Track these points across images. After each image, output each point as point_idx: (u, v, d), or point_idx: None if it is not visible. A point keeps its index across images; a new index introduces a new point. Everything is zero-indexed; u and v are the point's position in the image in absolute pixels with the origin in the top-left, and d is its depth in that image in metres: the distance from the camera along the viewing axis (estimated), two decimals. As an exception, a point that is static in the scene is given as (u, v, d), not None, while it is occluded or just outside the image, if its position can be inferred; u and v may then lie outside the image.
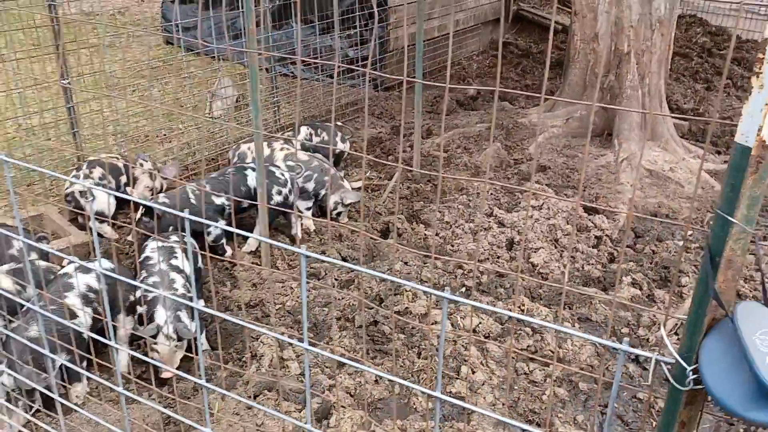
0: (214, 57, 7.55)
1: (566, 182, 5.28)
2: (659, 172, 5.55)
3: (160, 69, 7.13)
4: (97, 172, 4.22)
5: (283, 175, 4.42)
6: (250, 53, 3.73)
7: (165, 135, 5.76)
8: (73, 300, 3.04)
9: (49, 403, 2.89)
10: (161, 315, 3.14)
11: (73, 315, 2.98)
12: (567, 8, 9.89)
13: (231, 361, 3.42)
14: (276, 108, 6.24)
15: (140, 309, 3.26)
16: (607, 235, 4.57)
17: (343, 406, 3.08)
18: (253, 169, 4.32)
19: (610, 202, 4.96)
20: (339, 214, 4.80)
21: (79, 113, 4.57)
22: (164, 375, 3.20)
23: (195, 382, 3.24)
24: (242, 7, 4.52)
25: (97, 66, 5.28)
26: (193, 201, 4.09)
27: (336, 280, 4.08)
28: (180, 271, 3.43)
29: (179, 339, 3.13)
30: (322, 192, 4.79)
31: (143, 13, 8.96)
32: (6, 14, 4.16)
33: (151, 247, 3.51)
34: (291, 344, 3.47)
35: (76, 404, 2.95)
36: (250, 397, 3.09)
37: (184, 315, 3.18)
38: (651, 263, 4.30)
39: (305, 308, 1.52)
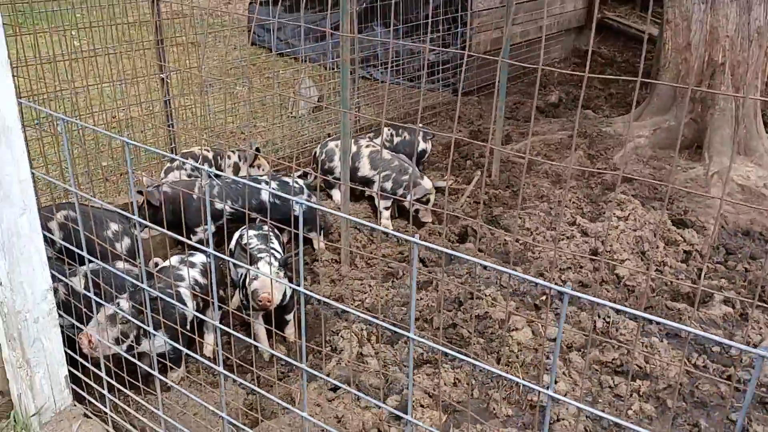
0: (296, 58, 7.72)
1: (653, 194, 5.11)
2: (752, 188, 5.30)
3: (246, 69, 7.33)
4: (190, 163, 4.38)
5: (297, 183, 4.36)
6: (342, 53, 3.78)
7: (250, 132, 5.91)
8: (184, 290, 3.17)
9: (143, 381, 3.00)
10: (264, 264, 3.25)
11: (183, 304, 3.10)
12: (654, 18, 9.60)
13: (311, 353, 3.46)
14: (357, 109, 6.31)
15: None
16: (696, 250, 4.39)
17: (421, 406, 3.07)
18: (267, 183, 4.22)
19: (699, 217, 4.77)
20: (416, 211, 4.78)
21: (173, 107, 4.75)
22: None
23: (292, 365, 3.31)
24: (329, 9, 4.60)
25: (185, 63, 5.47)
26: (194, 198, 3.99)
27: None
28: (276, 251, 3.53)
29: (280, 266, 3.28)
30: (400, 191, 4.79)
31: (231, 15, 9.24)
32: (101, 10, 4.36)
33: (249, 235, 3.61)
34: (370, 340, 3.48)
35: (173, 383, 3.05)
36: (330, 389, 3.12)
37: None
38: (744, 281, 4.10)
39: (414, 296, 1.52)
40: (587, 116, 6.70)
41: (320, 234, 4.43)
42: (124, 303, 2.81)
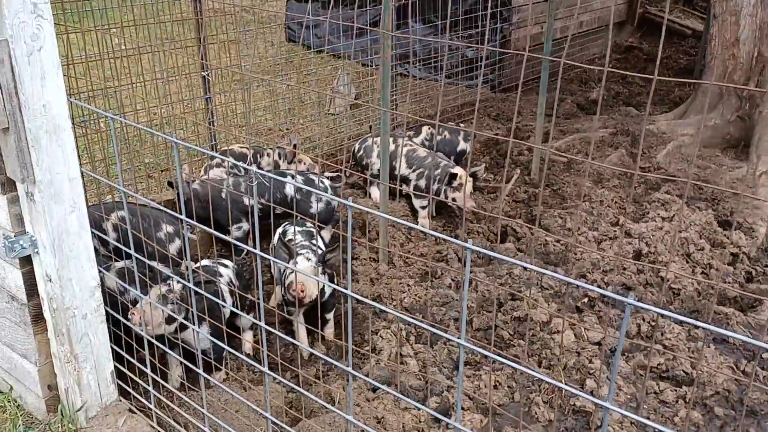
0: (334, 55, 7.72)
1: (698, 194, 4.98)
2: (803, 189, 5.12)
3: (283, 66, 7.36)
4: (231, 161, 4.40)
5: (322, 182, 4.33)
6: (383, 50, 3.76)
7: (288, 129, 5.93)
8: (224, 287, 3.18)
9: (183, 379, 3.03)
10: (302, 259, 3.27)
11: (223, 299, 3.11)
12: (696, 12, 9.37)
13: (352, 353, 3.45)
14: (394, 107, 6.28)
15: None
16: (744, 253, 4.26)
17: (462, 408, 3.03)
18: (293, 177, 4.22)
19: (747, 218, 4.63)
20: (454, 200, 4.67)
21: (214, 105, 4.79)
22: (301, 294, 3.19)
23: (332, 364, 3.30)
24: (368, 5, 4.57)
25: (225, 61, 5.50)
26: (222, 196, 4.02)
27: (453, 280, 4.04)
28: (317, 248, 3.52)
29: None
30: (436, 186, 4.70)
31: (267, 12, 9.29)
32: (144, 8, 4.41)
33: (293, 231, 3.60)
34: (409, 341, 3.46)
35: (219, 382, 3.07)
36: (370, 390, 3.11)
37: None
38: (795, 286, 3.96)
39: (465, 301, 1.49)
40: (629, 113, 6.57)
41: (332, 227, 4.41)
42: (176, 284, 2.82)
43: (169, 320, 2.78)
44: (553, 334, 3.47)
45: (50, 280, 2.46)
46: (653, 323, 3.51)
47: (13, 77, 2.14)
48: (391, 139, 4.95)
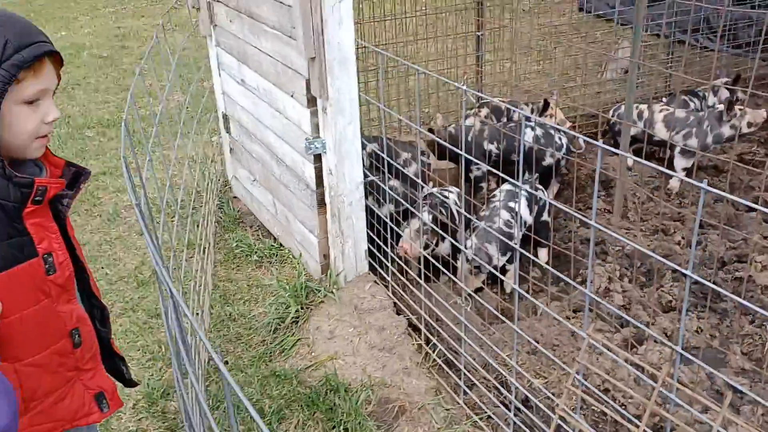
0: (619, 23, 7.75)
1: None
2: None
3: (566, 33, 7.66)
4: (484, 111, 5.03)
5: (560, 140, 4.54)
6: (637, 14, 3.97)
7: (551, 92, 6.31)
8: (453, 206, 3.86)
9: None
10: (470, 242, 3.67)
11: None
12: None
13: (561, 282, 3.87)
14: (669, 75, 6.22)
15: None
16: None
17: (655, 341, 3.27)
18: (533, 128, 4.50)
19: None
20: (750, 123, 4.58)
21: (483, 62, 5.44)
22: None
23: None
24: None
25: (505, 24, 6.06)
26: (469, 140, 4.53)
27: (683, 239, 4.12)
28: (511, 211, 3.84)
29: (476, 267, 3.61)
30: (709, 140, 4.65)
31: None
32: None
33: (501, 188, 4.11)
34: (621, 279, 3.74)
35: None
36: (573, 311, 3.52)
37: (492, 248, 3.64)
38: None
39: (695, 239, 1.90)
40: None
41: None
42: (426, 215, 3.57)
43: (428, 243, 3.54)
44: (776, 298, 3.44)
45: (331, 173, 3.38)
46: None
47: (321, 21, 3.03)
48: (644, 106, 5.07)
